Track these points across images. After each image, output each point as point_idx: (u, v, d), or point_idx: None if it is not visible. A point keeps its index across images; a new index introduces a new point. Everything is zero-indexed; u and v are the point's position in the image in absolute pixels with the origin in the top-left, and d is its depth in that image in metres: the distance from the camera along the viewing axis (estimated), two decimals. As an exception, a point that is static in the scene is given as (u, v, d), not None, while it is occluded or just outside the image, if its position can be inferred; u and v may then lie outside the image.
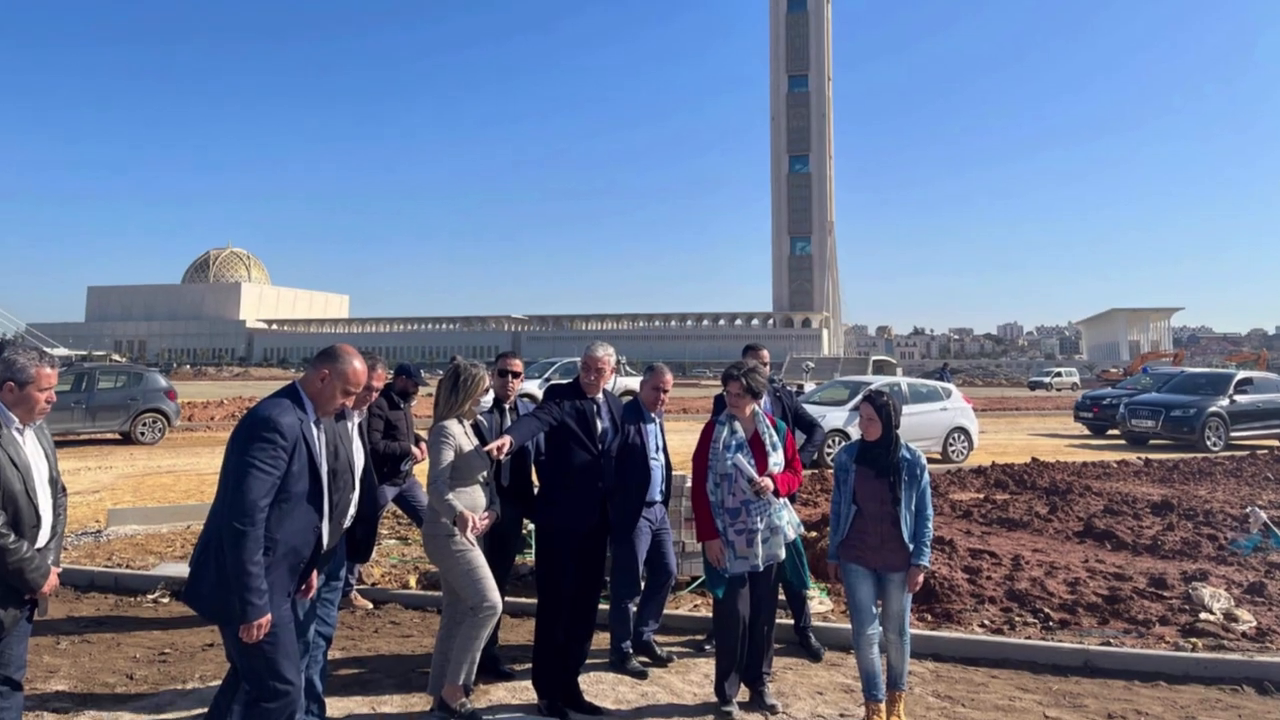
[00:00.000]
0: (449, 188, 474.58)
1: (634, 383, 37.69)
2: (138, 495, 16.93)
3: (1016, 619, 9.13)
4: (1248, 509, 13.97)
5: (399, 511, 13.35)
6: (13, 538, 5.11)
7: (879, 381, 24.59)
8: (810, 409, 17.95)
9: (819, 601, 9.50)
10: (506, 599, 8.30)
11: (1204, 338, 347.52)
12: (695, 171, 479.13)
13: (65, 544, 12.05)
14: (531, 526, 9.72)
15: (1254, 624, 8.92)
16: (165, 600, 9.96)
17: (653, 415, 7.87)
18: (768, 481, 6.83)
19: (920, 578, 6.72)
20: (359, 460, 5.77)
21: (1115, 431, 33.02)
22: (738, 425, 7.03)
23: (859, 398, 16.83)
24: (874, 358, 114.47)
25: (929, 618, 9.19)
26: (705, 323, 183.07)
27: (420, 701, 7.15)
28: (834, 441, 21.87)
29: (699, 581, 9.86)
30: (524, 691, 7.37)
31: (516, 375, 8.10)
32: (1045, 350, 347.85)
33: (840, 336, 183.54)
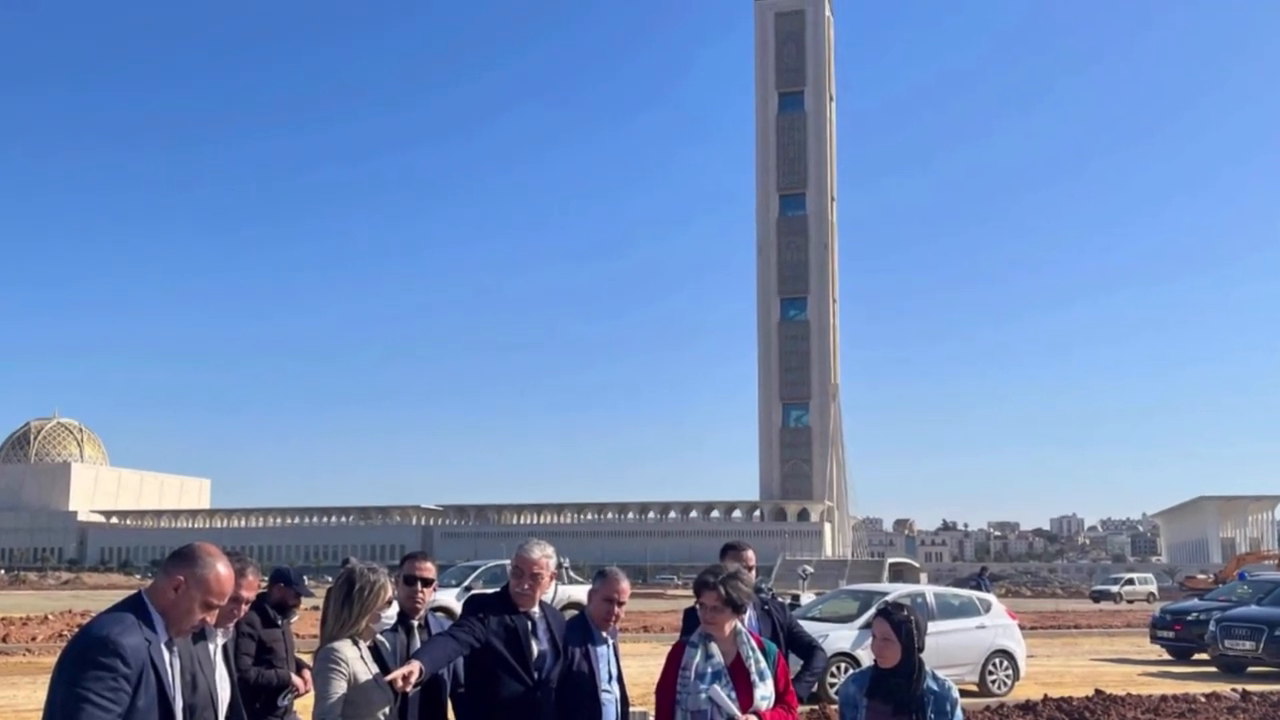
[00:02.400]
0: (340, 340, 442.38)
1: (580, 592, 37.37)
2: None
3: None
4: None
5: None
6: None
7: (897, 591, 24.58)
8: (808, 626, 17.91)
9: None
10: None
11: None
12: (661, 317, 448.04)
13: None
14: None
15: None
16: None
17: (604, 634, 7.83)
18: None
19: None
20: (224, 693, 5.72)
21: (1204, 656, 32.92)
22: (714, 647, 6.98)
23: (871, 612, 16.83)
24: (891, 560, 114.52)
25: None
26: (673, 515, 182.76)
27: None
28: (839, 669, 21.72)
29: None
30: None
31: (428, 583, 8.05)
32: (1112, 550, 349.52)
33: (847, 532, 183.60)
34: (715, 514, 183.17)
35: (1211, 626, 31.37)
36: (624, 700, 7.89)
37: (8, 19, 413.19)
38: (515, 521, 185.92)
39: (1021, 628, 25.73)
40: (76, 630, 5.44)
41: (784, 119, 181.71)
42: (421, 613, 8.00)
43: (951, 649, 23.34)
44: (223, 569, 5.38)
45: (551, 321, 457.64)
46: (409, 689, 6.69)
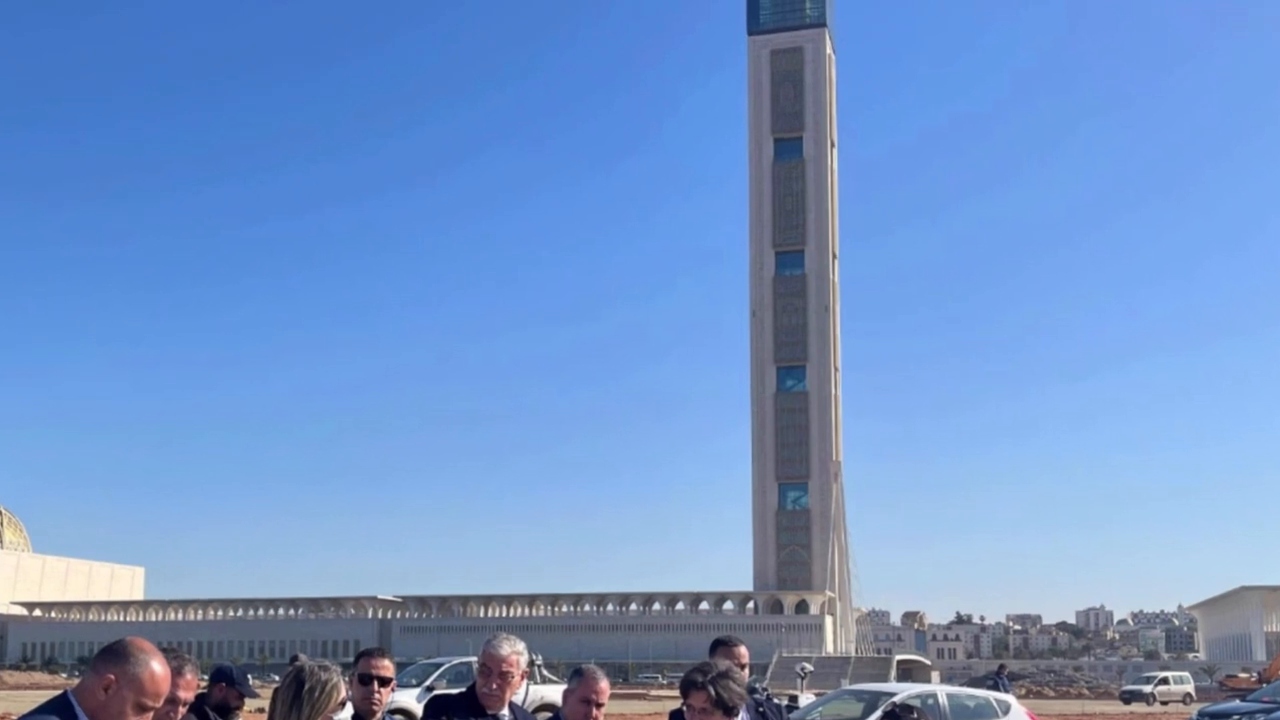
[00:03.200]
0: (287, 412, 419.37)
1: (555, 693, 37.09)
2: None
3: None
4: None
5: None
6: None
7: (906, 692, 24.47)
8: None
9: None
10: None
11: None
12: (644, 387, 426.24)
13: None
14: None
15: None
16: None
17: (581, 740, 7.79)
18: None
19: None
20: (155, 807, 5.64)
21: (1247, 763, 32.79)
22: (703, 754, 6.86)
23: (877, 715, 16.80)
24: (899, 657, 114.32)
25: None
26: (657, 607, 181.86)
27: None
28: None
29: None
30: None
31: (385, 682, 7.99)
32: (1144, 646, 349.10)
33: (850, 626, 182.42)
34: (704, 606, 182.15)
35: (1255, 731, 31.24)
36: (603, 814, 7.83)
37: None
38: (482, 614, 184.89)
39: (1045, 732, 25.65)
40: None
41: (780, 167, 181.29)
42: (378, 715, 7.94)
43: (967, 756, 23.17)
44: (158, 667, 5.34)
45: (522, 391, 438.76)
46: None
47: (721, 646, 9.02)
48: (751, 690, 8.73)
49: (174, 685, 6.36)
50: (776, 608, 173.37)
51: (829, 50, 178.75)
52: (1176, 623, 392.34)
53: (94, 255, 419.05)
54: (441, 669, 41.40)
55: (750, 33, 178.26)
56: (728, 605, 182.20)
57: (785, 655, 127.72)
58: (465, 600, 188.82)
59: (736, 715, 7.09)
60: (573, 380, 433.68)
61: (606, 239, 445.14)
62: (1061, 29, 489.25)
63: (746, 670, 8.64)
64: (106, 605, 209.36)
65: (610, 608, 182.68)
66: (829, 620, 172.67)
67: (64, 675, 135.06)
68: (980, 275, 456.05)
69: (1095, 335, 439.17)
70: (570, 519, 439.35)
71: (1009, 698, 26.26)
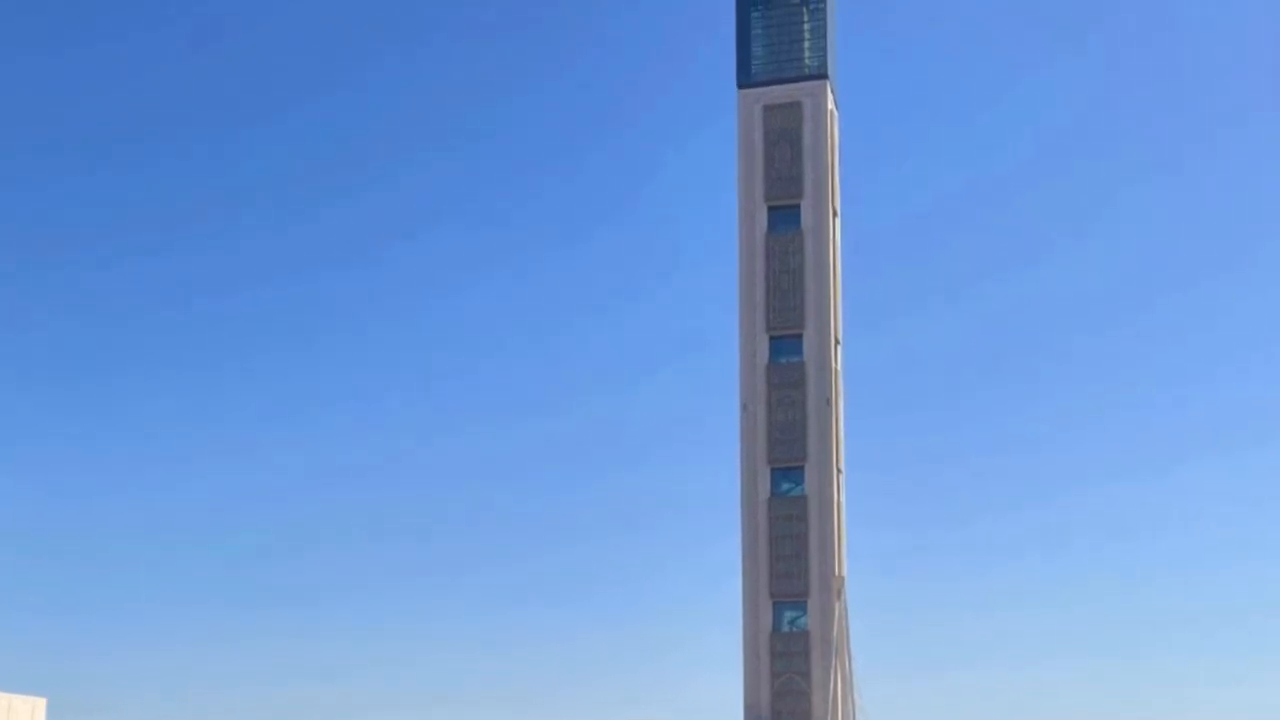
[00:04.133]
0: (209, 522, 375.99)
1: None
2: None
3: None
4: None
5: None
6: None
7: None
8: None
9: None
10: None
11: None
12: (619, 491, 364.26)
13: None
14: None
15: None
16: None
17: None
18: None
19: None
20: None
21: None
22: None
23: None
24: None
25: None
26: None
27: None
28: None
29: None
30: None
31: None
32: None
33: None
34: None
35: None
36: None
37: None
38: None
39: None
40: None
41: (775, 240, 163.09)
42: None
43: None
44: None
45: (479, 497, 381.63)
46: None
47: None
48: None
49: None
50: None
51: (831, 105, 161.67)
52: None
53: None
54: None
55: (740, 85, 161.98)
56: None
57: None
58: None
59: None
60: (538, 484, 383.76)
61: (575, 322, 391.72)
62: (1099, 83, 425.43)
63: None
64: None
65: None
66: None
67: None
68: (1004, 365, 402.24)
69: (1137, 433, 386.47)
70: (536, 644, 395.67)
71: None
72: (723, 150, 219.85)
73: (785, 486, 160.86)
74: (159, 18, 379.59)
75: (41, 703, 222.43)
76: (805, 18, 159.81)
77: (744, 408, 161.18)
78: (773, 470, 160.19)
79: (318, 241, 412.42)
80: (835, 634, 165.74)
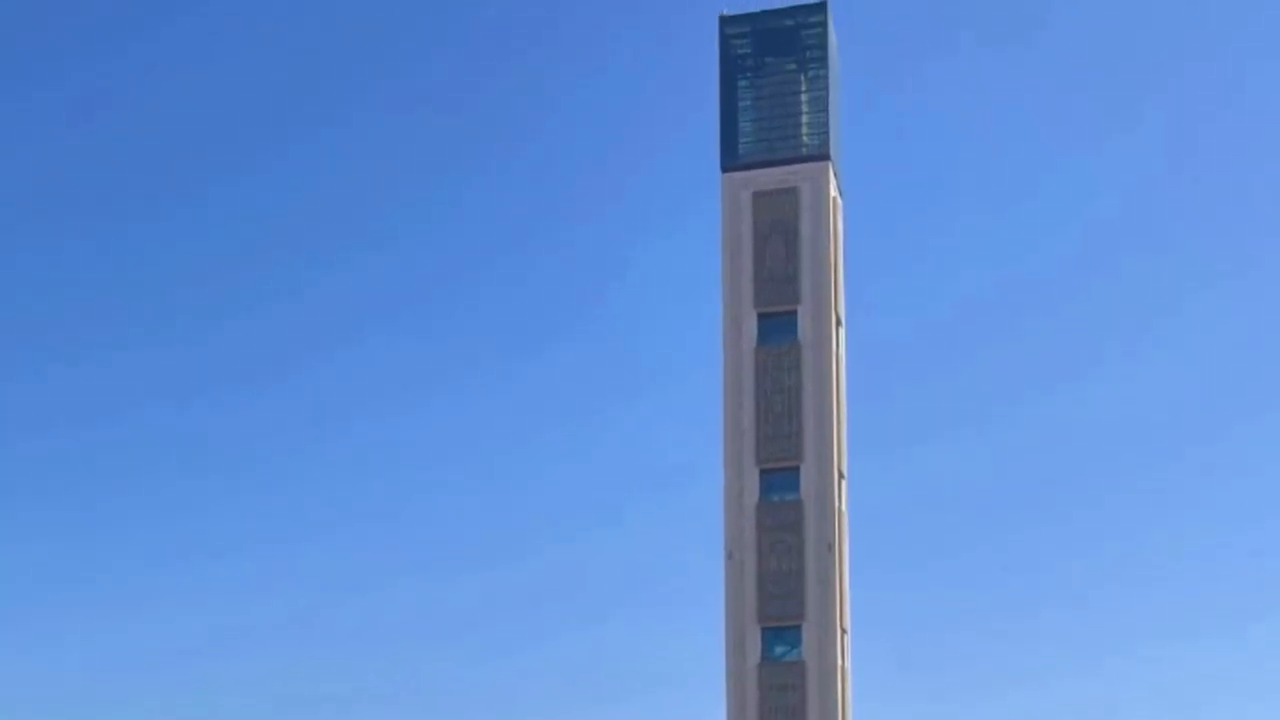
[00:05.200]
0: (93, 694, 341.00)
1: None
2: None
3: None
4: None
5: None
6: None
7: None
8: None
9: None
10: None
11: None
12: (581, 655, 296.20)
13: None
14: None
15: None
16: None
17: None
18: None
19: None
20: None
21: None
22: None
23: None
24: None
25: None
26: None
27: None
28: None
29: None
30: None
31: None
32: None
33: None
34: None
35: None
36: None
37: None
38: None
39: None
40: None
41: (767, 354, 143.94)
42: None
43: None
44: None
45: (412, 663, 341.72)
46: None
47: None
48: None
49: None
50: None
51: (833, 192, 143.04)
52: None
53: None
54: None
55: (725, 168, 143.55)
56: None
57: None
58: None
59: None
60: (483, 648, 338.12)
61: (528, 453, 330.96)
62: (1157, 166, 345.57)
63: None
64: None
65: None
66: None
67: None
68: (1040, 505, 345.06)
69: (1201, 586, 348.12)
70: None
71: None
72: (704, 245, 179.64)
73: (779, 650, 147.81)
74: (26, 81, 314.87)
75: None
76: (803, 87, 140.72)
77: (729, 555, 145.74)
78: (764, 630, 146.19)
79: (213, 358, 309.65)
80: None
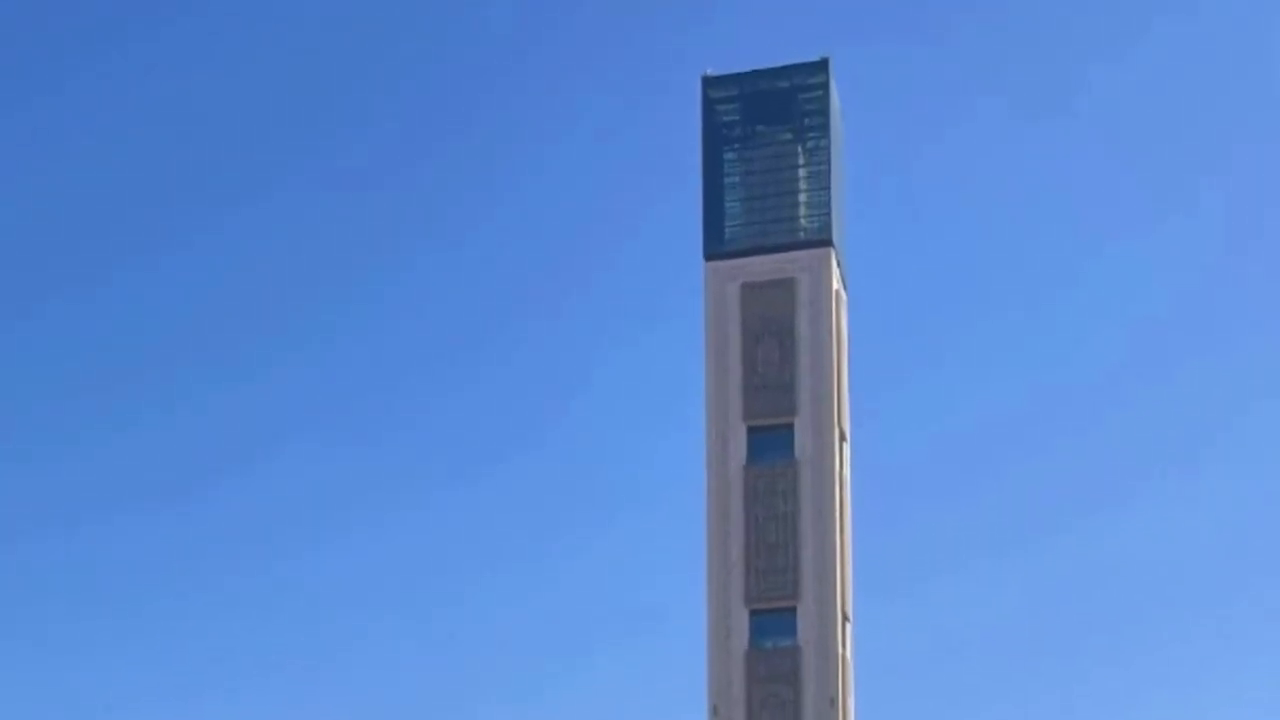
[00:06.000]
0: None
1: None
2: None
3: None
4: None
5: None
6: None
7: None
8: None
9: None
10: None
11: None
12: None
13: None
14: None
15: None
16: None
17: None
18: None
19: None
20: None
21: None
22: None
23: None
24: None
25: None
26: None
27: None
28: None
29: None
30: None
31: None
32: None
33: None
34: None
35: None
36: None
37: None
38: None
39: None
40: None
41: (758, 474, 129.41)
42: None
43: None
44: None
45: None
46: None
47: None
48: None
49: None
50: None
51: (836, 284, 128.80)
52: None
53: None
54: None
55: (709, 256, 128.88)
56: None
57: None
58: None
59: None
60: None
61: (476, 593, 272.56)
62: (1216, 257, 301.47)
63: None
64: None
65: None
66: None
67: None
68: (1074, 656, 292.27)
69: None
70: None
71: None
72: (685, 347, 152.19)
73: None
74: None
75: None
76: (800, 160, 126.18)
77: (714, 711, 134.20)
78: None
79: (105, 476, 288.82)
80: None
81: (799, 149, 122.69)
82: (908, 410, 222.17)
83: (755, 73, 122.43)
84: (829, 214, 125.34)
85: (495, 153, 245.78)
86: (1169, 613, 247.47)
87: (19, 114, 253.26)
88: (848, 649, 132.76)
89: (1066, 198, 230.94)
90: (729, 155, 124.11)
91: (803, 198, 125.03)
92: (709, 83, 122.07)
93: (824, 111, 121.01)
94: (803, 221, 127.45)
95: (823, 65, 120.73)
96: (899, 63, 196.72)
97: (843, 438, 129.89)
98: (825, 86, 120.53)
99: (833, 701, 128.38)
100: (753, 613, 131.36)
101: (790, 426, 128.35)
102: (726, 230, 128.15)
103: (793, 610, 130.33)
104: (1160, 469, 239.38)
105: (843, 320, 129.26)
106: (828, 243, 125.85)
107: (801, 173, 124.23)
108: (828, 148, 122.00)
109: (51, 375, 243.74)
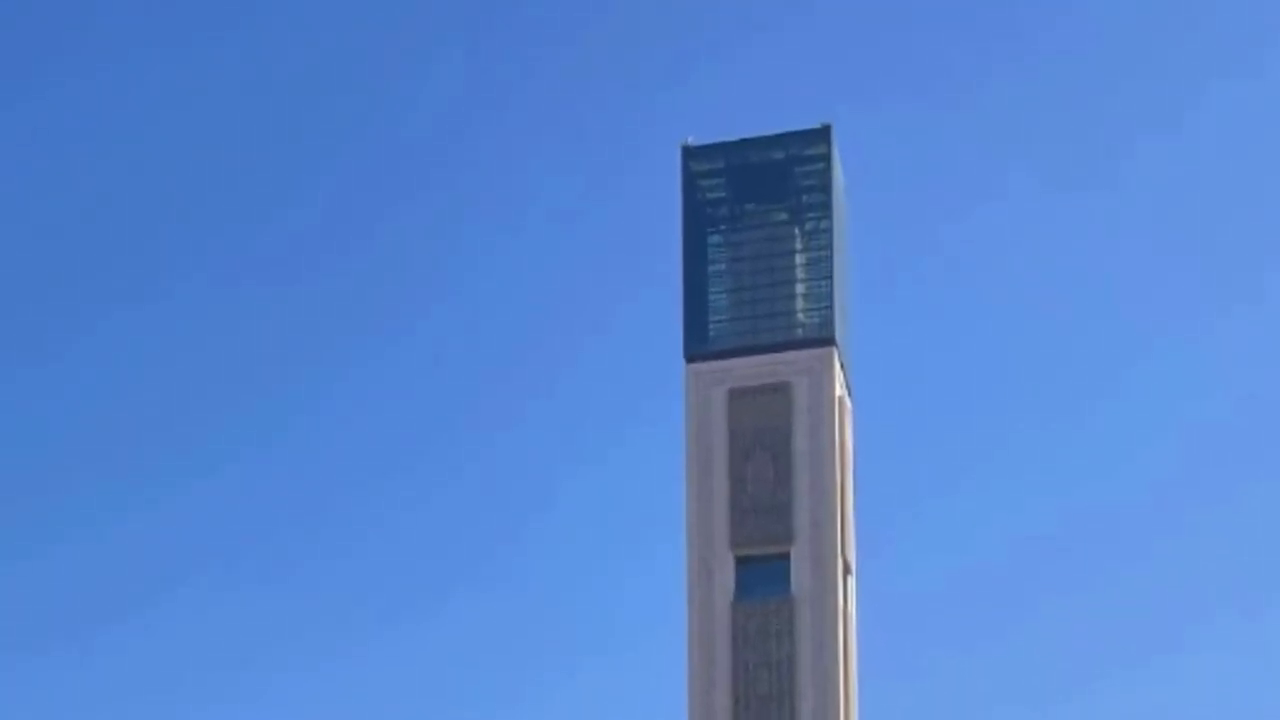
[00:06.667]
0: None
1: None
2: None
3: None
4: None
5: None
6: None
7: None
8: None
9: None
10: None
11: None
12: None
13: None
14: None
15: None
16: None
17: None
18: None
19: None
20: None
21: None
22: None
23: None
24: None
25: None
26: None
27: None
28: None
29: None
30: None
31: None
32: None
33: None
34: None
35: None
36: None
37: None
38: None
39: None
40: None
41: (748, 612, 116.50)
42: None
43: None
44: None
45: None
46: None
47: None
48: None
49: None
50: None
51: (839, 390, 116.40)
52: None
53: None
54: None
55: (691, 357, 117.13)
56: None
57: None
58: None
59: None
60: None
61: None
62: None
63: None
64: None
65: None
66: None
67: None
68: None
69: None
70: None
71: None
72: (663, 463, 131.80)
73: None
74: None
75: None
76: (798, 245, 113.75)
77: None
78: None
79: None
80: None
81: (796, 231, 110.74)
82: (921, 538, 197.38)
83: (744, 142, 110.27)
84: (830, 308, 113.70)
85: (443, 235, 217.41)
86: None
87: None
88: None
89: (1109, 287, 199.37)
90: (714, 239, 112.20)
91: (800, 289, 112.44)
92: (690, 153, 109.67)
93: (825, 188, 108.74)
94: (800, 317, 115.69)
95: (823, 133, 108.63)
96: (912, 130, 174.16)
97: (847, 570, 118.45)
98: (827, 158, 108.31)
99: None
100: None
101: (785, 556, 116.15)
102: (711, 327, 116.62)
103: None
104: (1220, 610, 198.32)
105: (846, 432, 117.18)
106: (829, 342, 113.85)
107: (799, 259, 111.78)
108: (829, 230, 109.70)
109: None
